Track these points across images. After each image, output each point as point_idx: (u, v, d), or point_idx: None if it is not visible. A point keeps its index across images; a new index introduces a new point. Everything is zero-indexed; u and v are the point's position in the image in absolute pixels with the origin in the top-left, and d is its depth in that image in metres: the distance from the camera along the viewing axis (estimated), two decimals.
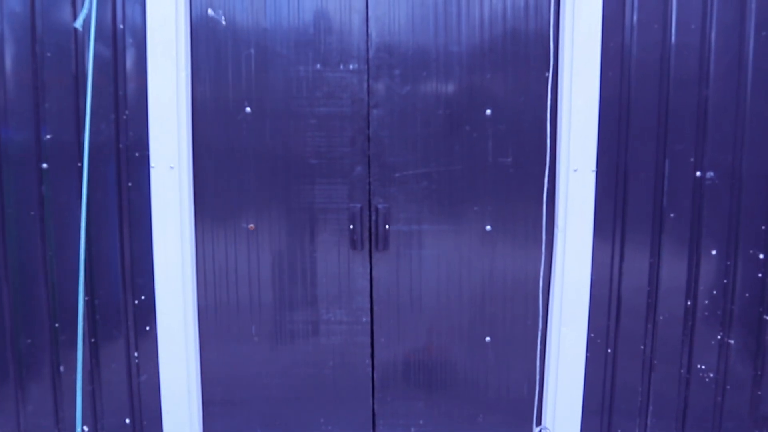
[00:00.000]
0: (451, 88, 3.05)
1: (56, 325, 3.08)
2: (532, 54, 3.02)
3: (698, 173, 3.05)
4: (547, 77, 3.02)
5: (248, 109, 3.02)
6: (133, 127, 2.97)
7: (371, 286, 3.17)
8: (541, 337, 3.20)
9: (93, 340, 3.08)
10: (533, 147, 3.07)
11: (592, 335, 3.16)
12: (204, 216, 3.09)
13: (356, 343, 3.22)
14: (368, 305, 3.18)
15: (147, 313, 3.08)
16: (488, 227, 3.13)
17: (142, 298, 3.06)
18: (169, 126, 2.93)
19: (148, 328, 3.08)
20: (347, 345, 3.22)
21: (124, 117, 2.95)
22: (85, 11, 2.60)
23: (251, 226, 3.07)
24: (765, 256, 3.13)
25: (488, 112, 3.06)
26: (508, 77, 3.04)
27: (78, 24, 2.63)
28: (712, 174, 3.06)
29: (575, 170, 3.02)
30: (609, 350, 3.18)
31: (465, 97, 3.05)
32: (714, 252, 3.11)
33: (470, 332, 3.22)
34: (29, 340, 3.08)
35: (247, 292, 3.15)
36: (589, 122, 2.99)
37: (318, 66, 3.01)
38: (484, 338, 3.22)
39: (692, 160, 3.04)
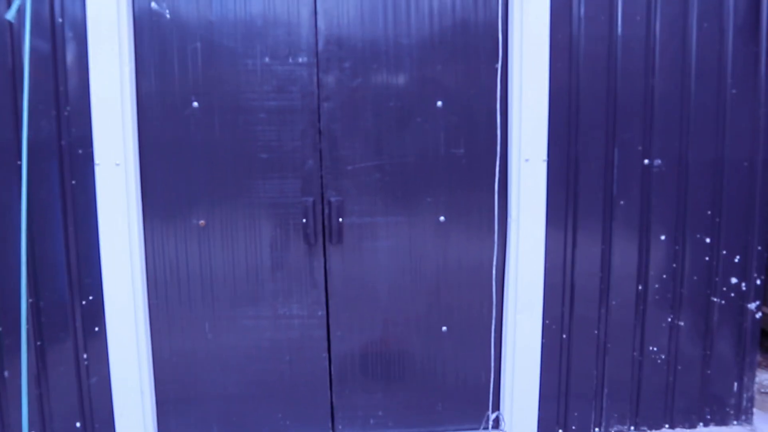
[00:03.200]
0: (401, 80, 3.20)
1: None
2: (482, 46, 3.21)
3: (646, 161, 3.29)
4: (497, 69, 3.20)
5: (195, 104, 3.11)
6: (75, 123, 3.04)
7: (326, 280, 3.33)
8: (496, 325, 3.42)
9: (39, 343, 3.15)
10: (485, 138, 3.26)
11: (547, 322, 3.38)
12: (153, 213, 3.18)
13: (312, 337, 3.38)
14: (323, 299, 3.34)
15: (95, 313, 3.17)
16: (442, 218, 3.31)
17: (90, 298, 3.14)
18: (113, 122, 3.01)
19: (97, 328, 3.16)
20: (303, 339, 3.37)
21: (66, 113, 3.02)
22: (17, 2, 2.63)
23: (202, 222, 3.18)
24: (711, 240, 3.41)
25: (439, 103, 3.22)
26: (458, 69, 3.22)
27: (10, 16, 2.66)
28: (659, 162, 3.29)
29: (527, 160, 3.21)
30: (564, 336, 3.41)
31: (416, 89, 3.21)
32: (663, 237, 3.36)
33: (427, 322, 3.41)
34: None
35: (200, 289, 3.26)
36: (540, 112, 3.19)
37: (267, 59, 3.12)
38: (441, 328, 3.41)
39: (640, 148, 3.28)
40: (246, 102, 3.14)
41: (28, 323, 3.04)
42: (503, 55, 3.21)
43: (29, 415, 3.06)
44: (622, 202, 3.32)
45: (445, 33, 3.19)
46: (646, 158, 3.30)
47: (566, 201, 3.30)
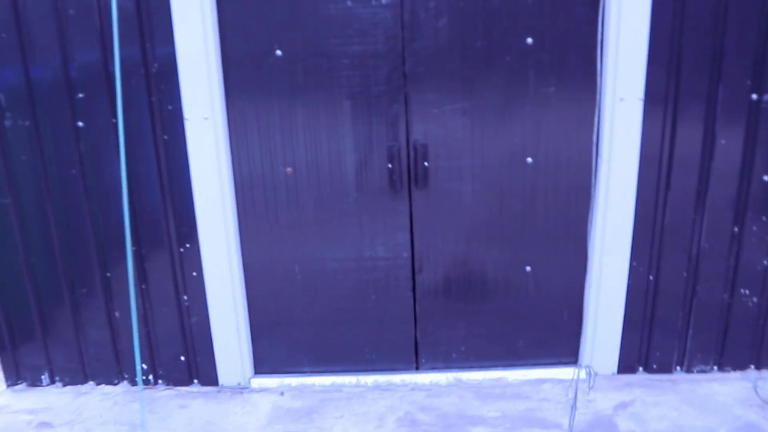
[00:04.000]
0: (489, 18, 3.08)
1: (108, 274, 3.42)
2: None
3: (754, 96, 3.11)
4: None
5: (279, 52, 3.10)
6: (163, 80, 3.12)
7: (411, 223, 3.40)
8: (582, 265, 3.44)
9: (144, 286, 3.43)
10: (576, 74, 3.15)
11: (635, 264, 3.38)
12: (241, 162, 3.29)
13: (398, 277, 3.52)
14: (409, 241, 3.44)
15: (193, 259, 3.39)
16: (529, 159, 3.27)
17: (187, 245, 3.35)
18: (199, 76, 3.06)
19: (195, 273, 3.40)
20: (389, 279, 3.52)
21: (154, 70, 3.10)
22: None
23: (289, 169, 3.26)
24: None
25: (529, 40, 3.09)
26: (550, 2, 3.06)
27: None
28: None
29: (621, 99, 3.09)
30: (651, 277, 3.41)
31: (504, 27, 3.09)
32: (766, 178, 3.23)
33: (511, 262, 3.48)
34: (84, 290, 3.45)
35: (289, 233, 3.41)
36: (638, 47, 3.02)
37: (349, 2, 3.04)
38: (525, 268, 3.47)
39: (749, 83, 3.09)
40: (329, 48, 3.11)
41: (134, 269, 3.28)
42: None
43: (140, 350, 3.39)
44: (723, 141, 3.20)
45: None
46: (755, 93, 3.13)
47: (662, 141, 3.21)
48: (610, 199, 3.28)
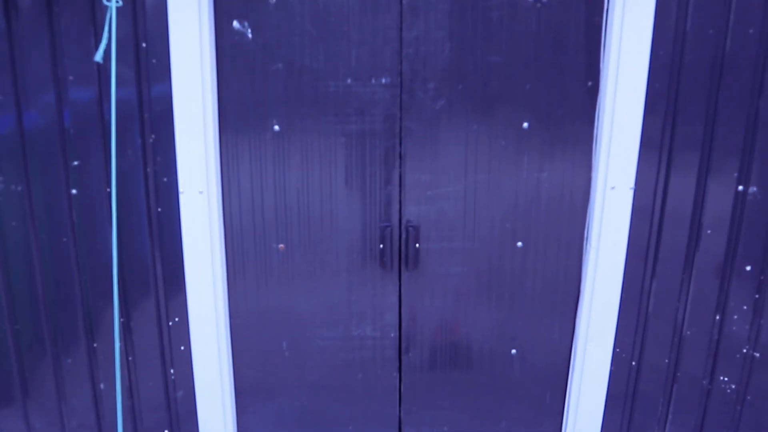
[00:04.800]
0: (488, 101, 2.64)
1: (94, 345, 2.84)
2: (576, 63, 2.61)
3: (740, 188, 2.70)
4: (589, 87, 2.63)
5: (277, 128, 2.66)
6: (160, 151, 2.61)
7: (400, 303, 2.88)
8: (568, 349, 2.97)
9: (130, 358, 2.85)
10: (569, 161, 2.73)
11: (618, 350, 2.89)
12: (234, 237, 2.77)
13: (385, 356, 2.98)
14: (397, 321, 2.91)
15: (182, 333, 2.83)
16: (519, 243, 2.82)
17: (176, 319, 2.81)
18: (196, 150, 2.58)
19: (182, 347, 2.83)
20: (376, 359, 2.99)
21: (151, 140, 2.59)
22: (104, 43, 2.20)
23: (281, 246, 2.77)
24: None
25: (525, 125, 2.68)
26: (548, 89, 2.65)
27: (98, 57, 2.23)
28: (755, 189, 2.71)
29: (612, 188, 2.67)
30: (633, 363, 2.94)
31: (503, 112, 2.64)
32: (748, 268, 2.80)
33: (497, 345, 2.95)
34: (69, 360, 2.86)
35: (278, 310, 2.87)
36: (631, 139, 2.62)
37: (349, 80, 2.62)
38: (510, 351, 2.98)
39: (735, 175, 2.68)
40: (327, 125, 2.63)
41: (120, 340, 2.76)
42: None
43: (124, 423, 2.82)
44: (709, 232, 2.78)
45: (540, 52, 2.60)
46: (741, 185, 2.72)
47: (649, 230, 2.78)
48: (596, 285, 2.80)
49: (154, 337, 2.81)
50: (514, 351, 2.96)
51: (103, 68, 2.47)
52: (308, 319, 2.89)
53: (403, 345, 2.94)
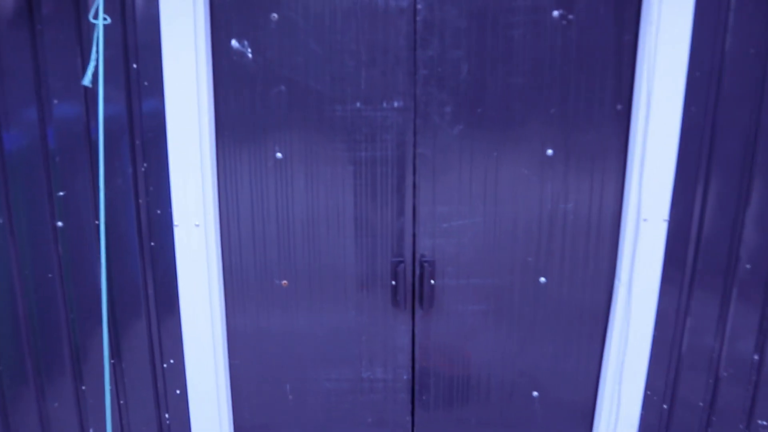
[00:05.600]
0: (508, 128, 2.44)
1: (83, 387, 2.62)
2: (605, 84, 2.40)
3: None
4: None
5: (279, 155, 2.46)
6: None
7: (413, 344, 2.66)
8: (595, 395, 2.75)
9: (122, 402, 2.63)
10: (596, 192, 2.52)
11: (649, 392, 2.66)
12: (233, 273, 2.56)
13: (397, 400, 2.76)
14: (410, 362, 2.70)
15: (178, 376, 2.62)
16: (542, 279, 2.61)
17: (171, 361, 2.61)
18: (192, 179, 2.37)
19: (178, 391, 2.62)
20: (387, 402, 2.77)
21: (143, 170, 2.40)
22: (91, 66, 2.00)
23: (284, 282, 2.56)
24: None
25: (549, 152, 2.47)
26: (574, 114, 2.44)
27: (86, 81, 2.03)
28: None
29: (645, 220, 2.46)
30: (665, 406, 2.72)
31: (525, 137, 2.43)
32: None
33: (518, 390, 2.73)
34: (56, 403, 2.63)
35: (281, 350, 2.65)
36: (666, 167, 2.41)
37: (358, 104, 2.42)
38: (532, 393, 2.76)
39: None
40: (334, 152, 2.42)
41: (111, 383, 2.55)
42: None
43: None
44: (748, 266, 2.56)
45: (565, 73, 2.39)
46: None
47: (684, 264, 2.56)
48: (626, 323, 2.59)
49: (148, 379, 2.59)
50: (535, 393, 2.74)
51: (90, 90, 2.26)
52: (314, 360, 2.67)
53: (417, 388, 2.72)
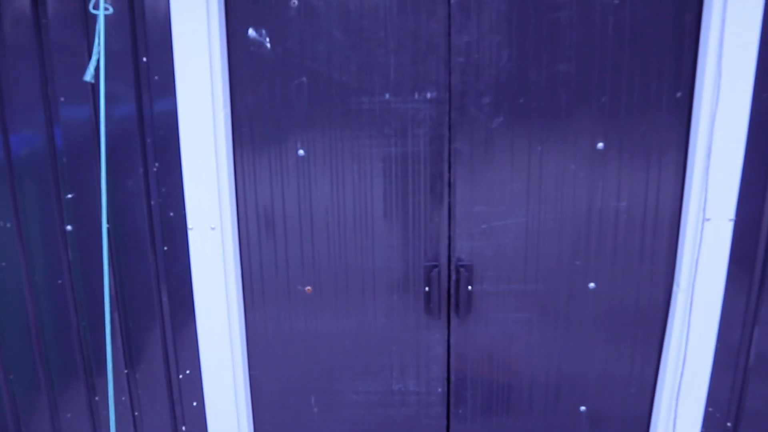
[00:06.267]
0: (555, 118, 2.31)
1: (96, 398, 2.60)
2: (661, 66, 2.26)
3: None
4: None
5: (301, 152, 2.37)
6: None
7: (448, 354, 2.57)
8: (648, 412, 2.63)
9: (137, 413, 2.62)
10: (652, 188, 2.38)
11: (711, 409, 2.54)
12: (253, 280, 2.50)
13: (431, 414, 2.69)
14: (445, 374, 2.61)
15: (194, 387, 2.59)
16: (591, 285, 2.48)
17: (188, 372, 2.57)
18: (207, 179, 2.30)
19: (195, 403, 2.59)
20: (420, 417, 2.69)
21: (155, 170, 2.35)
22: (93, 62, 1.94)
23: (308, 288, 2.50)
24: None
25: (600, 145, 2.34)
26: (627, 102, 2.30)
27: (88, 77, 1.97)
28: None
29: (708, 219, 2.31)
30: (729, 424, 2.58)
31: (574, 129, 2.30)
32: None
33: (564, 403, 2.63)
34: (69, 414, 2.62)
35: (306, 360, 2.59)
36: (733, 159, 2.25)
37: (387, 96, 2.31)
38: (579, 407, 2.66)
39: None
40: (361, 148, 2.33)
41: (125, 394, 2.53)
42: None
43: None
44: None
45: (618, 58, 2.23)
46: None
47: (752, 266, 2.41)
48: (686, 334, 2.47)
49: (163, 390, 2.57)
50: (583, 408, 2.63)
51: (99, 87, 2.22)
52: (341, 372, 2.61)
53: (452, 401, 2.64)
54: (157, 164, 2.31)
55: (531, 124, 2.30)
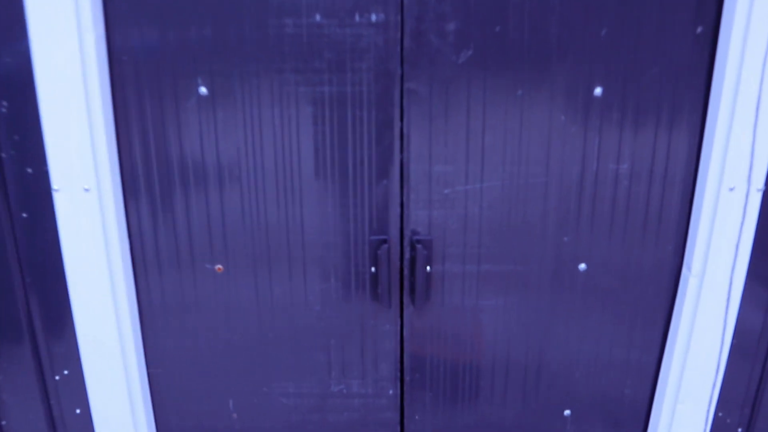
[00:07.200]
0: (542, 53, 1.88)
1: None
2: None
3: None
4: None
5: (203, 89, 1.91)
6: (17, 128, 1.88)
7: (401, 349, 2.20)
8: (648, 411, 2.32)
9: (4, 422, 2.23)
10: (661, 151, 1.97)
11: (721, 414, 2.24)
12: (146, 256, 2.07)
13: (381, 420, 2.34)
14: (397, 373, 2.24)
15: (75, 389, 2.20)
16: (582, 266, 2.11)
17: (65, 372, 2.17)
18: (75, 124, 1.83)
19: (78, 410, 2.19)
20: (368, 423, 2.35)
21: (3, 111, 1.86)
22: None
23: (219, 267, 2.09)
24: None
25: (598, 90, 1.92)
26: (629, 32, 1.87)
27: None
28: None
29: (731, 189, 1.93)
30: (740, 430, 2.28)
31: (566, 71, 1.88)
32: None
33: (544, 406, 2.30)
34: None
35: (220, 357, 2.21)
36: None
37: (318, 17, 1.84)
38: (563, 411, 2.32)
39: None
40: (283, 86, 1.89)
41: None
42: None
43: None
44: None
45: None
46: None
47: None
48: (695, 326, 2.12)
49: (35, 395, 2.17)
50: (567, 412, 2.30)
51: None
52: (266, 370, 2.23)
53: (407, 405, 2.28)
54: (5, 103, 1.83)
55: (510, 61, 1.86)
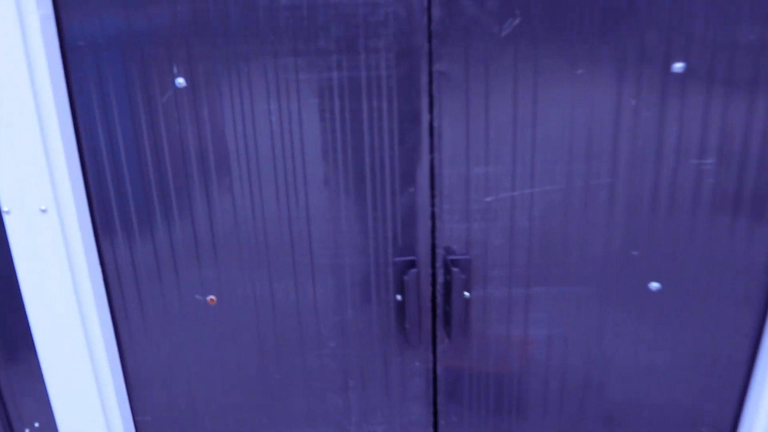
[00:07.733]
0: (595, 24, 1.50)
1: None
2: None
3: None
4: None
5: (181, 81, 1.55)
6: None
7: (435, 390, 1.84)
8: None
9: None
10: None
11: None
12: (123, 286, 1.72)
13: None
14: (430, 417, 1.89)
15: None
16: (654, 285, 1.73)
17: (36, 425, 1.83)
18: (23, 128, 1.49)
19: None
20: None
21: None
22: None
23: (211, 298, 1.73)
24: None
25: (678, 67, 1.54)
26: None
27: None
28: None
29: None
30: None
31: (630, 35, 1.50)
32: None
33: None
34: None
35: (221, 401, 1.86)
36: None
37: None
38: None
39: None
40: (279, 73, 1.57)
41: None
42: None
43: None
44: None
45: None
46: None
47: None
48: None
49: None
50: None
51: None
52: (272, 417, 1.88)
53: None
54: None
55: (567, 31, 1.48)
